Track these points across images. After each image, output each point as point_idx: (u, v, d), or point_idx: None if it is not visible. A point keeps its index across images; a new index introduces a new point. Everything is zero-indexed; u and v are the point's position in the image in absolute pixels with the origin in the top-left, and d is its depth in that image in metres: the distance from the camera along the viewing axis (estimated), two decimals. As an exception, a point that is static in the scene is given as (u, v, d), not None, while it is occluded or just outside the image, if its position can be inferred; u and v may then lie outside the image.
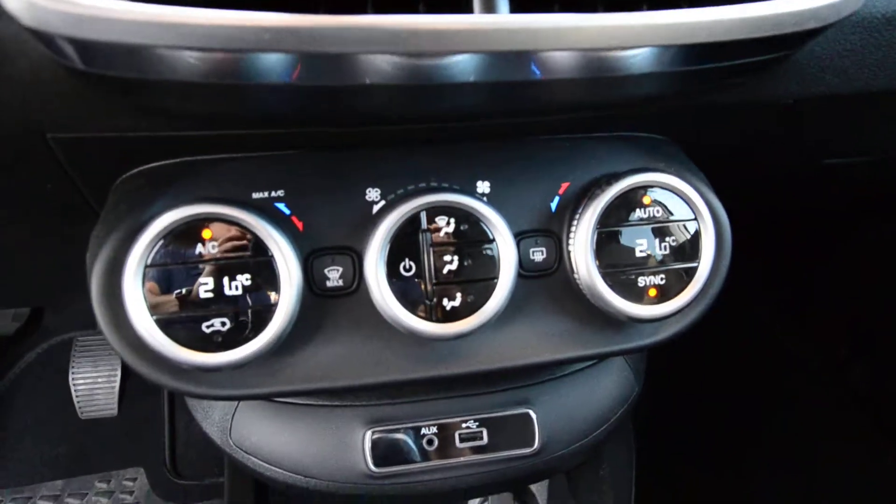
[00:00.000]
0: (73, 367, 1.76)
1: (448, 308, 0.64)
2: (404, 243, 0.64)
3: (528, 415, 0.83)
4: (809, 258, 2.05)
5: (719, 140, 0.86)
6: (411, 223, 0.64)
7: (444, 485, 0.84)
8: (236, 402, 0.85)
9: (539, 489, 1.17)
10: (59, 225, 0.86)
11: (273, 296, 0.61)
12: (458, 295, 0.64)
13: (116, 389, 1.77)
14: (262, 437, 0.84)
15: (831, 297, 1.99)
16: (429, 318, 0.64)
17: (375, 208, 0.68)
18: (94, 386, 1.76)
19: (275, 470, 0.83)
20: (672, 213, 0.70)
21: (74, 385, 1.75)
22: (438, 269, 0.64)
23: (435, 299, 0.64)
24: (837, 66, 0.68)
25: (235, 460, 0.87)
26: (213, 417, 0.87)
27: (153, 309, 0.60)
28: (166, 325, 0.60)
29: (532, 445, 0.83)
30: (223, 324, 0.60)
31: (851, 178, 1.27)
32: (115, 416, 1.77)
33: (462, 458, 0.83)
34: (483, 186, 0.70)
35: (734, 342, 2.03)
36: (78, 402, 1.75)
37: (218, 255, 0.60)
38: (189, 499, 1.71)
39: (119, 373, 1.78)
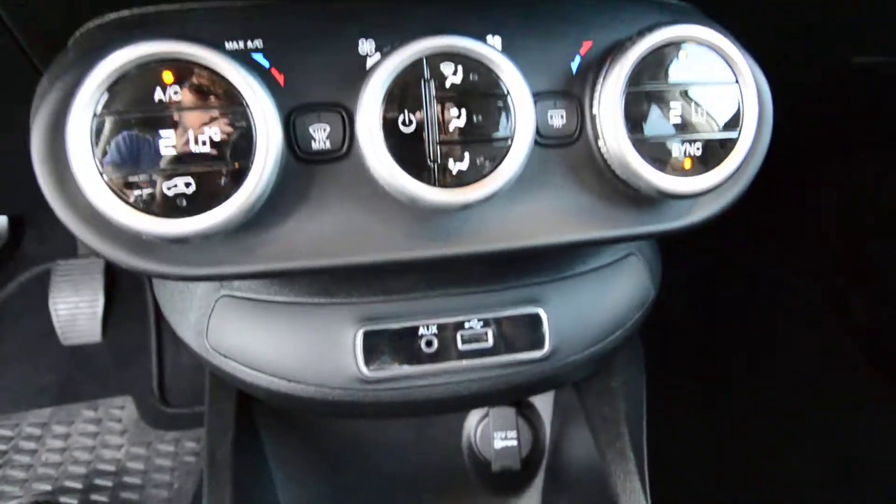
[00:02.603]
0: (52, 293, 1.70)
1: (454, 172, 0.55)
2: (404, 95, 0.54)
3: (537, 315, 0.76)
4: (808, 187, 2.00)
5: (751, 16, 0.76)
6: (412, 71, 0.54)
7: (444, 391, 0.77)
8: (212, 303, 0.77)
9: (543, 404, 1.11)
10: (6, 102, 0.77)
11: (247, 154, 0.52)
12: (467, 155, 0.55)
13: (99, 315, 1.72)
14: (242, 338, 0.76)
15: (829, 227, 1.96)
16: (432, 183, 0.55)
17: (370, 62, 0.58)
18: (75, 311, 1.71)
19: (256, 374, 0.76)
20: (711, 75, 0.60)
21: (55, 310, 1.70)
22: (444, 125, 0.55)
23: (439, 160, 0.55)
24: None
25: (214, 367, 0.79)
26: (188, 320, 0.79)
27: (104, 167, 0.50)
28: (120, 186, 0.50)
29: (542, 349, 0.76)
30: (187, 185, 0.51)
31: (874, 89, 1.18)
32: (100, 342, 1.72)
33: (464, 362, 0.75)
34: (493, 41, 0.60)
35: (728, 272, 1.99)
36: (59, 327, 1.69)
37: (182, 103, 0.51)
38: (177, 427, 1.69)
39: (102, 298, 1.73)
